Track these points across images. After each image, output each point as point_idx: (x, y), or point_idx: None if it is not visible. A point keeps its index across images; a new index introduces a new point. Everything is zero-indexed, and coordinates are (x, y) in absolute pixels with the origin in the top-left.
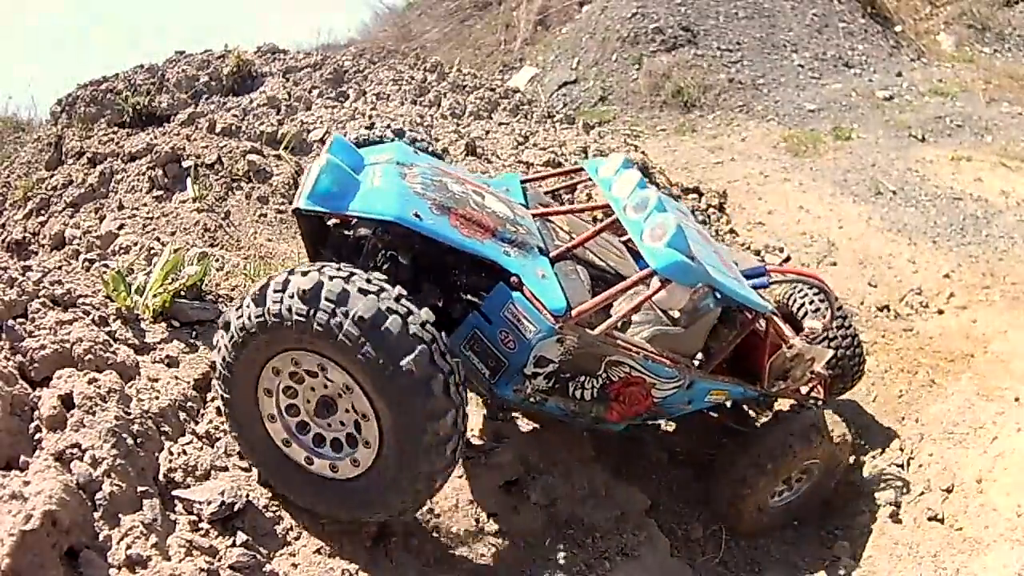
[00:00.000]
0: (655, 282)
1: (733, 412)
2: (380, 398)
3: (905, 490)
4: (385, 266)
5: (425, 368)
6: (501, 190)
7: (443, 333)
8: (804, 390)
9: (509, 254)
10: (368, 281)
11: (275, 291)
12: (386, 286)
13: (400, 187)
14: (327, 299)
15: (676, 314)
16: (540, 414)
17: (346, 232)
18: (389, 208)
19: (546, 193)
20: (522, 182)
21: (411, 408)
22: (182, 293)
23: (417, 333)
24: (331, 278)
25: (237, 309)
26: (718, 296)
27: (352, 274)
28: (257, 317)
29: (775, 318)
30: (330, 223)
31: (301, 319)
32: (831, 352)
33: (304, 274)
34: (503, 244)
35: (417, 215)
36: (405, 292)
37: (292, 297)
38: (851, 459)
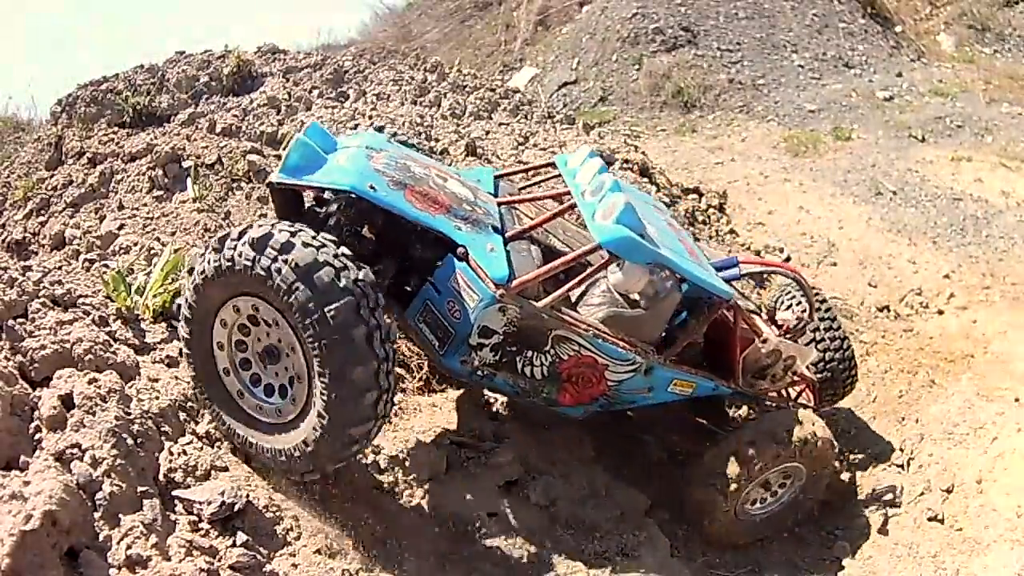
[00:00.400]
0: (612, 263)
1: (712, 412)
2: (306, 342)
3: (905, 490)
4: (349, 240)
5: (348, 317)
6: (472, 181)
7: (392, 303)
8: (794, 396)
9: (460, 228)
10: (313, 237)
11: (231, 240)
12: (328, 243)
13: (362, 165)
14: (272, 247)
15: (636, 298)
16: (491, 389)
17: (317, 210)
18: (347, 179)
19: (525, 188)
20: (496, 176)
21: (332, 353)
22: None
23: (347, 286)
24: (280, 231)
25: (200, 257)
26: (680, 282)
27: (300, 230)
28: (214, 263)
29: (749, 311)
30: (307, 203)
31: (248, 263)
32: (815, 352)
33: (259, 226)
34: (455, 220)
35: (372, 187)
36: (348, 253)
37: (244, 244)
38: (837, 465)
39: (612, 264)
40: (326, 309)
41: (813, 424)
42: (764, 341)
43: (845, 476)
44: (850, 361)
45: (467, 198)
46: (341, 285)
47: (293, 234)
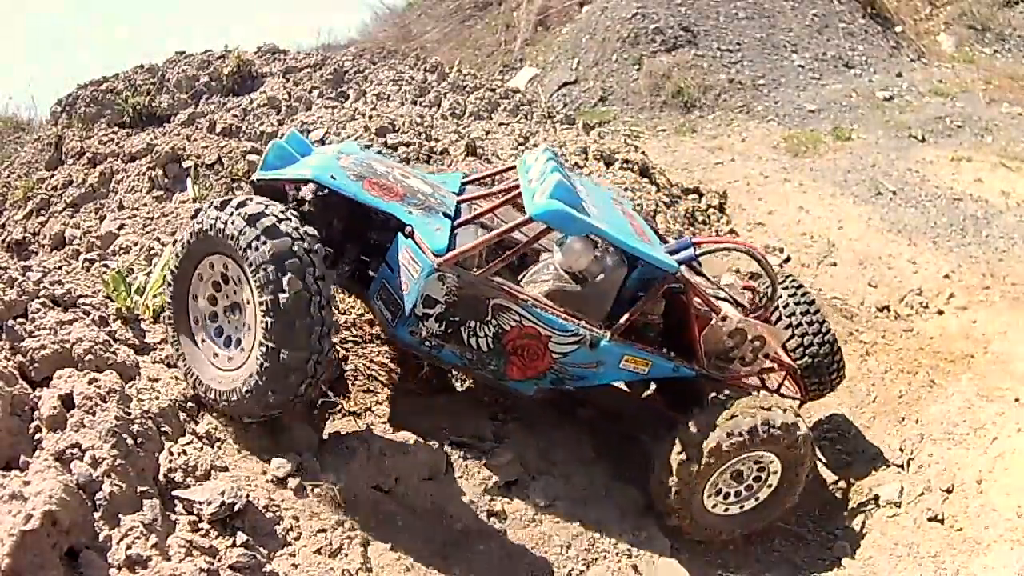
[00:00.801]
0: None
1: (680, 397)
2: (256, 296)
3: (905, 490)
4: (318, 228)
5: (293, 279)
6: (439, 183)
7: (357, 286)
8: (775, 385)
9: (411, 212)
10: (282, 212)
11: (214, 208)
12: (292, 217)
13: (328, 161)
14: (242, 215)
15: (581, 275)
16: (441, 363)
17: (299, 207)
18: (310, 172)
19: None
20: (464, 181)
21: (273, 310)
22: None
23: (297, 251)
24: (256, 203)
25: (187, 224)
26: (625, 260)
27: (271, 205)
28: (197, 225)
29: (702, 289)
30: (291, 201)
31: (222, 226)
32: (786, 333)
33: (240, 199)
34: (408, 206)
35: (333, 177)
36: (310, 228)
37: (221, 211)
38: (814, 458)
39: (557, 244)
40: (275, 269)
41: (785, 411)
42: (724, 319)
43: (845, 476)
44: (832, 347)
45: (424, 191)
46: (293, 250)
47: (266, 207)
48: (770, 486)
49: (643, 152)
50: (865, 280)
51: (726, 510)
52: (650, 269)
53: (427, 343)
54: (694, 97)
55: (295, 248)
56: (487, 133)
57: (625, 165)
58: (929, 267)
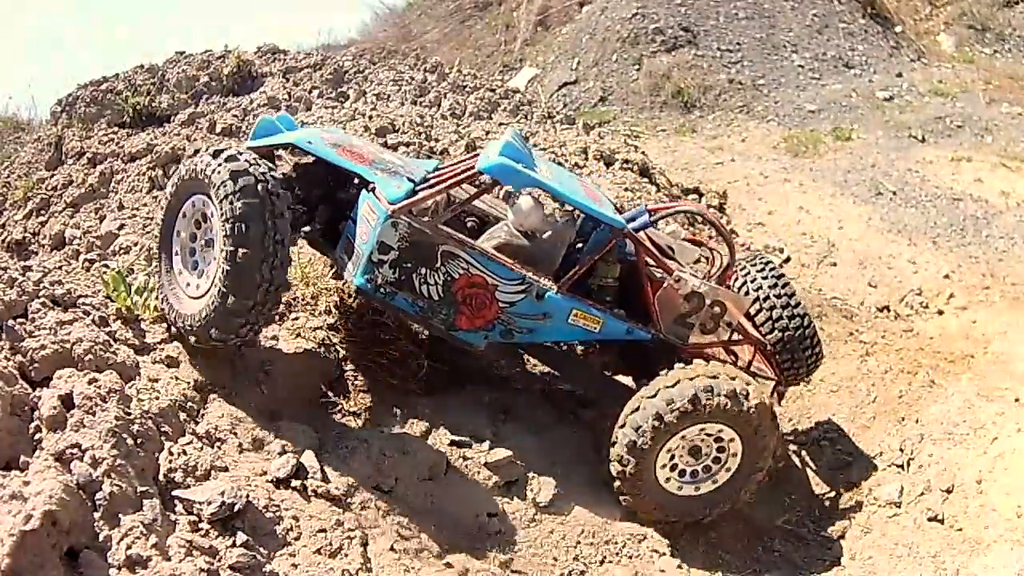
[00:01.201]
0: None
1: (648, 373)
2: (221, 228)
3: (905, 490)
4: (296, 190)
5: (253, 214)
6: (415, 164)
7: (328, 246)
8: (745, 362)
9: (376, 173)
10: (254, 159)
11: (206, 158)
12: (262, 165)
13: (309, 131)
14: (220, 160)
15: (531, 232)
16: (397, 311)
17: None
18: (291, 138)
19: None
20: (439, 166)
21: (232, 238)
22: None
23: (260, 191)
24: (233, 151)
25: (177, 169)
26: (575, 220)
27: (247, 154)
28: (184, 169)
29: (655, 251)
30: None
31: (203, 168)
32: (747, 299)
33: (226, 146)
34: (375, 169)
35: (310, 142)
36: (277, 175)
37: (209, 158)
38: (778, 435)
39: (509, 205)
40: (240, 202)
41: (734, 379)
42: (677, 281)
43: (845, 476)
44: (805, 326)
45: (395, 162)
46: (257, 190)
47: (240, 154)
48: (729, 469)
49: (643, 152)
50: (865, 280)
51: (681, 488)
52: (605, 231)
53: (382, 290)
54: (694, 97)
55: (258, 188)
56: (487, 133)
57: (625, 165)
58: (929, 267)
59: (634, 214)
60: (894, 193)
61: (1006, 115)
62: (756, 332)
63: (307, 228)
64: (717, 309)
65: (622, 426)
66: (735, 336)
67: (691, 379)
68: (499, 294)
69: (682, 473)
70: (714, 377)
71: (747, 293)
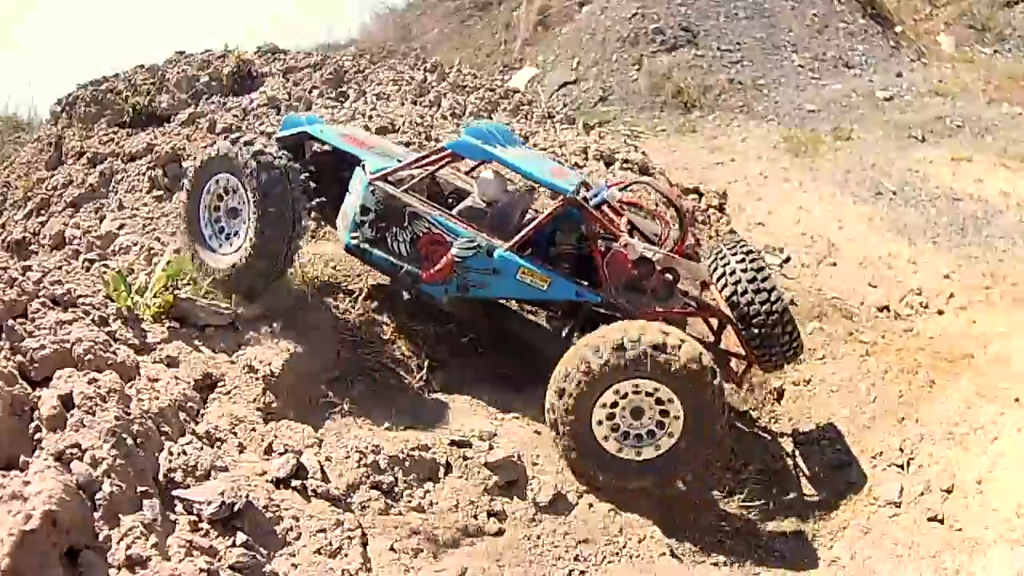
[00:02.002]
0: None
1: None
2: (251, 200)
3: (905, 490)
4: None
5: (276, 186)
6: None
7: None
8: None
9: (368, 155)
10: (269, 144)
11: (224, 140)
12: (281, 155)
13: (321, 123)
14: (243, 144)
15: (492, 202)
16: (373, 266)
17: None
18: (303, 128)
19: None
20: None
21: (261, 204)
22: (192, 297)
23: (280, 169)
24: (259, 140)
25: (201, 152)
26: (532, 191)
27: (263, 139)
28: (212, 151)
29: (603, 218)
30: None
31: (233, 156)
32: (702, 267)
33: (244, 136)
34: (370, 153)
35: (321, 131)
36: (288, 154)
37: (229, 143)
38: (721, 402)
39: (475, 179)
40: (265, 179)
41: (669, 334)
42: (625, 246)
43: (845, 476)
44: (781, 315)
45: (393, 150)
46: (277, 168)
47: (266, 144)
48: (672, 435)
49: (643, 152)
50: (865, 280)
51: (621, 450)
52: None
53: (363, 247)
54: (694, 97)
55: (275, 163)
56: None
57: (625, 165)
58: (929, 267)
59: (597, 190)
60: (894, 193)
61: (1006, 115)
62: (717, 304)
63: (316, 201)
64: (669, 276)
65: (554, 380)
66: (689, 303)
67: (621, 329)
68: (454, 251)
69: (625, 435)
70: (644, 329)
71: (721, 277)
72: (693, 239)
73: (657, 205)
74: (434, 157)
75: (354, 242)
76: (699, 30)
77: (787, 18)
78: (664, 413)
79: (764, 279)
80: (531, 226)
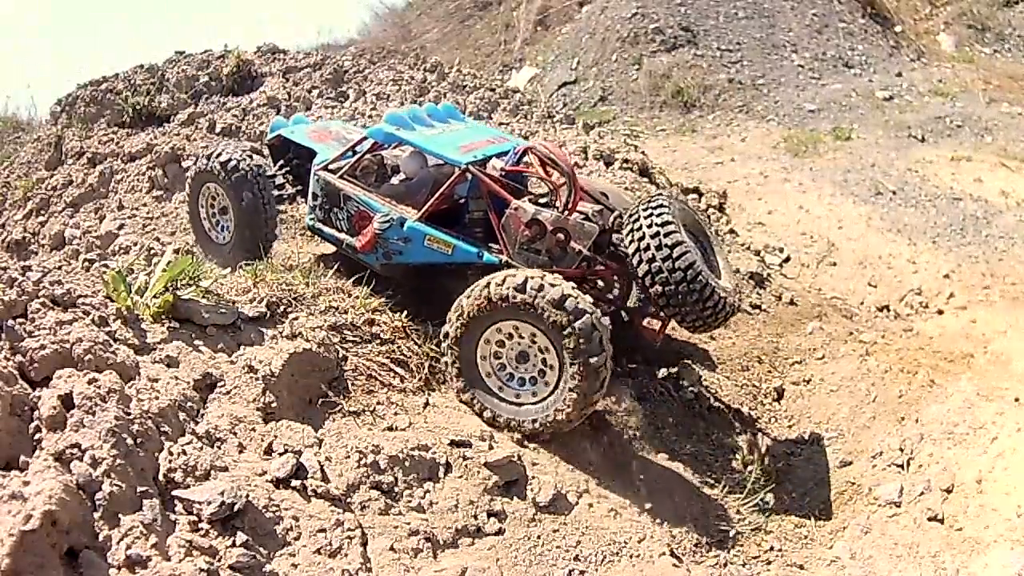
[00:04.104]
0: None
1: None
2: (231, 200)
3: (905, 490)
4: (290, 167)
5: (247, 187)
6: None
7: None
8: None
9: (322, 147)
10: (247, 151)
11: (203, 157)
12: (255, 155)
13: (296, 123)
14: (219, 153)
15: (411, 176)
16: (327, 241)
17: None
18: (280, 129)
19: None
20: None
21: (239, 204)
22: (192, 297)
23: (250, 173)
24: (223, 148)
25: (189, 169)
26: (440, 167)
27: (234, 148)
28: (198, 168)
29: (494, 185)
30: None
31: (216, 165)
32: (592, 227)
33: (215, 150)
34: (327, 144)
35: (292, 132)
36: (259, 159)
37: (212, 160)
38: (597, 352)
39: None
40: (241, 179)
41: (541, 278)
42: (516, 209)
43: (845, 476)
44: (687, 273)
45: (352, 140)
46: (248, 172)
47: (235, 149)
48: (548, 384)
49: (643, 152)
50: (865, 280)
51: (503, 389)
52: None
53: (316, 225)
54: (694, 97)
55: (245, 167)
56: None
57: (625, 165)
58: (929, 267)
59: (508, 159)
60: (894, 193)
61: (1006, 115)
62: (615, 262)
63: (294, 190)
64: (561, 236)
65: (444, 324)
66: (580, 260)
67: (510, 273)
68: (375, 224)
69: (510, 377)
70: (513, 273)
71: (630, 233)
72: None
73: (549, 170)
74: (359, 145)
75: (311, 222)
76: (699, 30)
77: (787, 18)
78: (544, 362)
79: (667, 235)
80: (434, 198)
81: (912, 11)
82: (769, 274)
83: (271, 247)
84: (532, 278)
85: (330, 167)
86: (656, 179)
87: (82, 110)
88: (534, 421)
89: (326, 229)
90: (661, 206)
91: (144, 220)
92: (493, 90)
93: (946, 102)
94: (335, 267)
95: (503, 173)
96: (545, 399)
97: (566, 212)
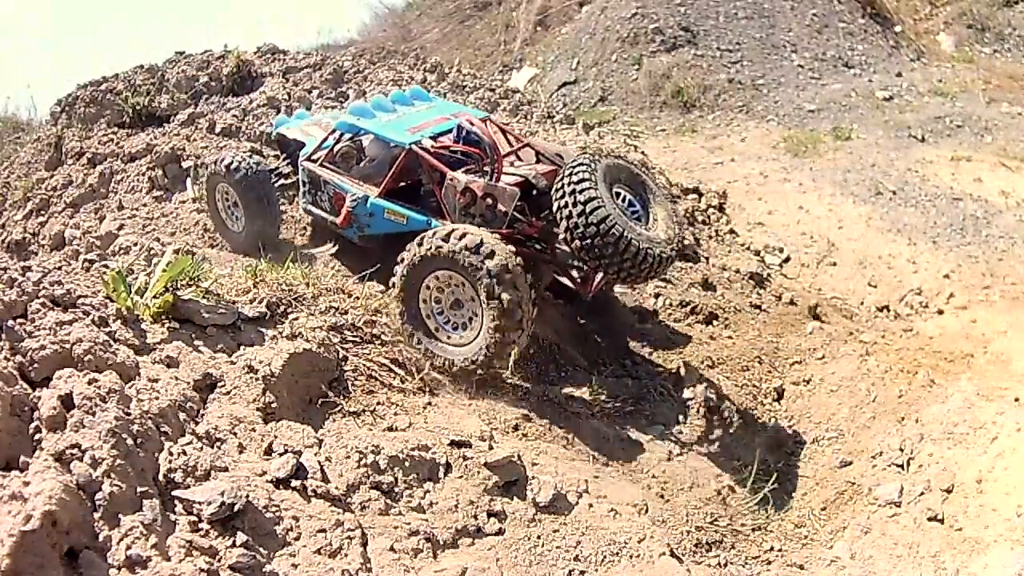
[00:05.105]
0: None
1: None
2: (240, 194)
3: (905, 490)
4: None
5: (253, 183)
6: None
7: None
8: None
9: (308, 140)
10: (245, 154)
11: (216, 162)
12: (257, 154)
13: (295, 120)
14: (226, 158)
15: (373, 159)
16: (314, 217)
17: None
18: (281, 126)
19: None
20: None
21: (246, 197)
22: (192, 297)
23: (254, 169)
24: (228, 151)
25: (202, 175)
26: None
27: (244, 149)
28: (206, 168)
29: (428, 156)
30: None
31: (234, 168)
32: (512, 190)
33: (222, 156)
34: (316, 137)
35: (288, 127)
36: (258, 158)
37: (216, 164)
38: (523, 304)
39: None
40: (243, 177)
41: (491, 246)
42: (451, 179)
43: (845, 476)
44: (596, 226)
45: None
46: (247, 171)
47: (237, 152)
48: (475, 329)
49: (643, 152)
50: (865, 280)
51: (438, 330)
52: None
53: (308, 208)
54: (694, 97)
55: (245, 167)
56: None
57: None
58: (929, 267)
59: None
60: (894, 193)
61: (1006, 115)
62: (537, 223)
63: (296, 179)
64: (489, 200)
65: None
66: (504, 220)
67: (448, 229)
68: (347, 202)
69: (447, 320)
70: (462, 231)
71: (555, 197)
72: (692, 239)
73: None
74: (329, 137)
75: (304, 205)
76: (699, 30)
77: (787, 18)
78: (472, 308)
79: (582, 191)
80: (390, 176)
81: (912, 11)
82: (769, 274)
83: (279, 230)
84: (455, 231)
85: (312, 157)
86: (656, 179)
87: (82, 110)
88: (463, 359)
89: (314, 210)
90: (580, 164)
91: (144, 220)
92: (493, 90)
93: (946, 102)
94: (334, 267)
95: (444, 149)
96: (473, 340)
97: (493, 179)
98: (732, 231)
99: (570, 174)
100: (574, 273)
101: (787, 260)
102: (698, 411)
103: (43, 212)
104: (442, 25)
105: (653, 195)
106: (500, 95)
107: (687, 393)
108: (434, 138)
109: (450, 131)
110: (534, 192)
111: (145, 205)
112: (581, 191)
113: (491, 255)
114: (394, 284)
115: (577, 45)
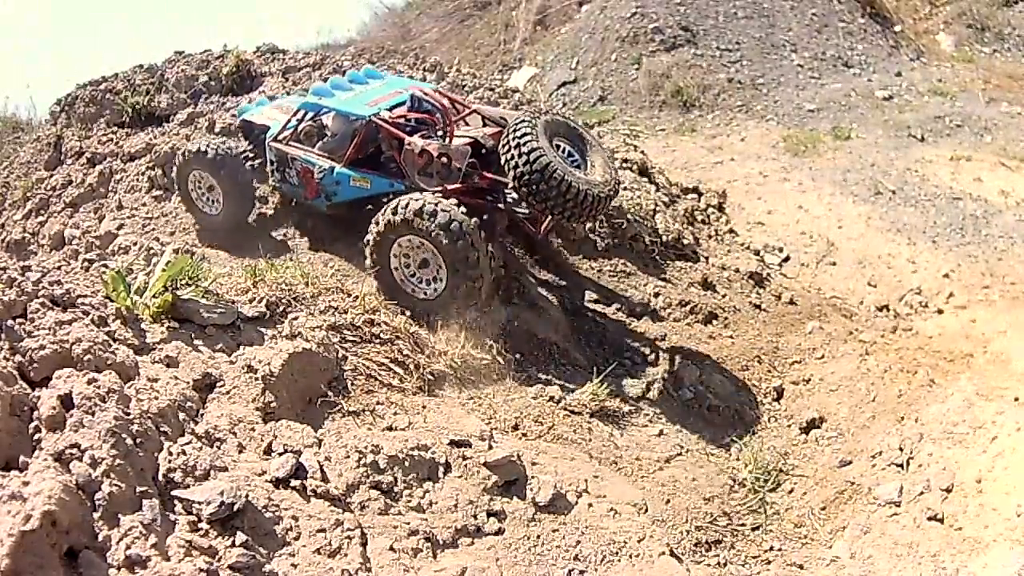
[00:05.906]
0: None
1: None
2: (217, 177)
3: (905, 490)
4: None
5: (231, 165)
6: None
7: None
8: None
9: (276, 123)
10: (216, 142)
11: (185, 151)
12: (228, 141)
13: (258, 104)
14: (204, 145)
15: (336, 133)
16: (285, 194)
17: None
18: (244, 113)
19: None
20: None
21: (222, 182)
22: (192, 297)
23: (219, 151)
24: (202, 140)
25: (176, 158)
26: (354, 123)
27: (210, 139)
28: (191, 150)
29: (388, 126)
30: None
31: (203, 151)
32: (464, 147)
33: (195, 145)
34: (279, 120)
35: (252, 113)
36: (230, 142)
37: (185, 152)
38: (479, 258)
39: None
40: (215, 159)
41: (441, 207)
42: (409, 144)
43: (845, 476)
44: (540, 172)
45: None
46: (216, 155)
47: (203, 139)
48: (440, 282)
49: (642, 151)
50: (865, 280)
51: (404, 283)
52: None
53: (278, 185)
54: (693, 97)
55: (215, 150)
56: None
57: (624, 164)
58: (929, 266)
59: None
60: (893, 192)
61: (1005, 114)
62: (489, 176)
63: (262, 160)
64: (444, 159)
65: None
66: (459, 175)
67: (405, 198)
68: (315, 174)
69: (417, 278)
70: (415, 199)
71: (503, 152)
72: (692, 238)
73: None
74: (293, 118)
75: (273, 183)
76: (698, 29)
77: (786, 17)
78: (438, 267)
79: (525, 144)
80: (354, 146)
81: (912, 11)
82: (769, 274)
83: (254, 206)
84: (401, 200)
85: (279, 137)
86: (655, 178)
87: (82, 110)
88: (439, 300)
89: (284, 187)
90: (522, 122)
91: (143, 220)
92: (493, 90)
93: (946, 102)
94: (334, 267)
95: (401, 118)
96: (440, 295)
97: (447, 140)
98: (732, 231)
99: (514, 130)
100: (524, 215)
101: (787, 260)
102: (698, 411)
103: (42, 212)
104: (441, 25)
105: (589, 145)
106: (500, 95)
107: (687, 393)
108: (390, 110)
109: (404, 103)
110: (483, 151)
111: (144, 205)
112: (525, 144)
113: (435, 213)
114: (367, 242)
115: (577, 45)
